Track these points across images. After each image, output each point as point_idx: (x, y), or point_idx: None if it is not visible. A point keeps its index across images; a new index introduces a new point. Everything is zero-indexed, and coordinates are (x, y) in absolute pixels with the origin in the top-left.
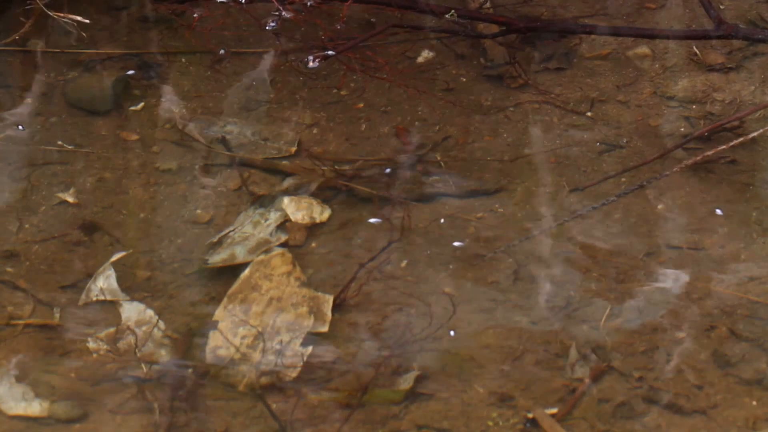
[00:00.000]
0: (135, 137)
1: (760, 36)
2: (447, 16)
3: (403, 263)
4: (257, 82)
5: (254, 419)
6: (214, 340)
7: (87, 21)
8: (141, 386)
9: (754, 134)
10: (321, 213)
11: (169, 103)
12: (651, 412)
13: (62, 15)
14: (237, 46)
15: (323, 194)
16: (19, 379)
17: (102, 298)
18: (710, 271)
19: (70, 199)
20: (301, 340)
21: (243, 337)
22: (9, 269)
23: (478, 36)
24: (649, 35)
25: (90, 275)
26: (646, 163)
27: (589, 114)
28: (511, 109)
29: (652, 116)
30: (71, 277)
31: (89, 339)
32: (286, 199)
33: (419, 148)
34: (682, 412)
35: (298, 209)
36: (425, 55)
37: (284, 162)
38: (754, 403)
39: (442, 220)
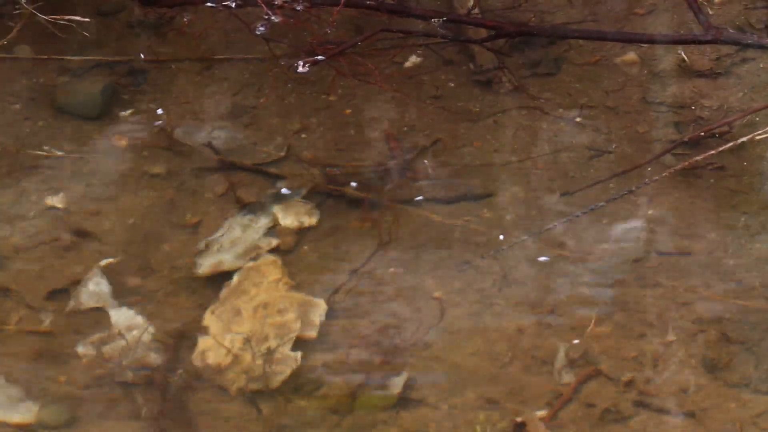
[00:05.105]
0: (124, 142)
1: (749, 41)
2: (433, 20)
3: (392, 268)
4: (246, 87)
5: (243, 424)
6: (204, 345)
7: (87, 19)
8: (130, 391)
9: (744, 139)
10: (310, 217)
11: (158, 108)
12: (639, 416)
13: (59, 17)
14: (226, 51)
15: (313, 199)
16: (9, 383)
17: (91, 303)
18: (699, 275)
19: (60, 205)
20: (290, 345)
21: (232, 342)
22: None
23: (468, 41)
24: (640, 40)
25: (79, 280)
26: (634, 169)
27: (578, 119)
28: (500, 114)
29: (641, 122)
30: (61, 282)
31: (78, 344)
32: (275, 204)
33: (408, 153)
34: (669, 415)
35: (288, 214)
36: (413, 60)
37: (273, 167)
38: (742, 406)
39: (430, 225)
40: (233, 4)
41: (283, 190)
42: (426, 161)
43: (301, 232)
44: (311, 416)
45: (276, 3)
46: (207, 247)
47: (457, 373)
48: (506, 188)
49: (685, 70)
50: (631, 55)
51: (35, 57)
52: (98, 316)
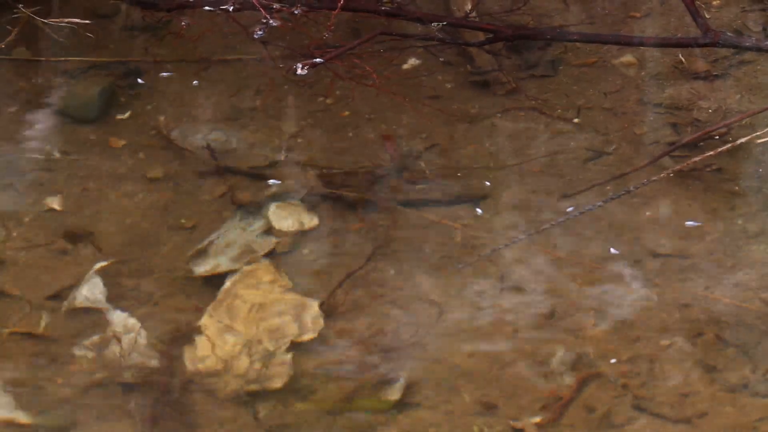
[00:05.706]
0: (121, 145)
1: (747, 44)
2: (432, 25)
3: (390, 270)
4: (243, 90)
5: (239, 427)
6: (200, 347)
7: (87, 21)
8: (127, 394)
9: (742, 140)
10: (308, 220)
11: (155, 110)
12: (637, 421)
13: (57, 20)
14: (224, 53)
15: (310, 201)
16: (6, 386)
17: (87, 306)
18: (696, 278)
19: (57, 207)
20: (286, 348)
21: (229, 345)
22: None
23: (465, 44)
24: (637, 43)
25: (76, 283)
26: (632, 171)
27: (575, 121)
28: (498, 116)
29: (638, 123)
30: (57, 285)
31: (75, 347)
32: (272, 206)
33: (405, 156)
34: (668, 420)
35: (285, 216)
36: (411, 62)
37: (271, 169)
38: (740, 410)
39: (427, 227)
40: (231, 8)
41: (281, 193)
42: (423, 163)
43: (299, 234)
44: (308, 419)
45: (274, 7)
46: (204, 249)
47: (455, 375)
48: (504, 190)
49: (683, 72)
50: (628, 57)
51: (32, 59)
52: (95, 318)
